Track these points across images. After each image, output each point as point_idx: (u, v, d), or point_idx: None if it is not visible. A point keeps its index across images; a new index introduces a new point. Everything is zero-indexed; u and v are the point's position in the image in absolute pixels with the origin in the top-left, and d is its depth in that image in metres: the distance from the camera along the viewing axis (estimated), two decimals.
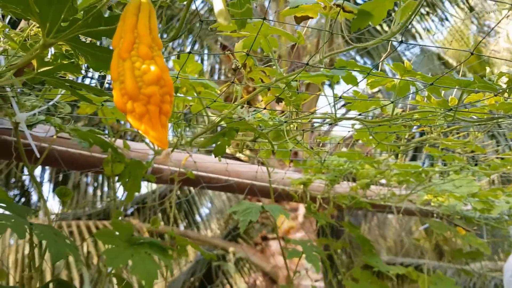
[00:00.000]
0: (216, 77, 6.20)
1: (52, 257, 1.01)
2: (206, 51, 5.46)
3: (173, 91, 0.56)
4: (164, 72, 0.53)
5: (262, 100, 1.13)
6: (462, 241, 1.78)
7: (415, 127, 1.07)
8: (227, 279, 5.72)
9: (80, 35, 0.69)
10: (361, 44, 0.74)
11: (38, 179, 5.13)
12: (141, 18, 0.56)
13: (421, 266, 5.23)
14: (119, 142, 1.34)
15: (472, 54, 0.69)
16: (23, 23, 0.92)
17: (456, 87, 0.81)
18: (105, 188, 5.76)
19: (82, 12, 0.68)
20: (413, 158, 4.20)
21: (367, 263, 1.59)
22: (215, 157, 1.17)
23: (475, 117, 0.94)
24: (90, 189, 5.90)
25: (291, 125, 1.10)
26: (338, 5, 0.76)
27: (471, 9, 4.78)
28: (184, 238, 1.35)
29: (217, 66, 6.31)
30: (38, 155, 1.06)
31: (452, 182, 1.49)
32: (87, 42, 0.69)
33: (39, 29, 0.79)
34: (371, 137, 1.16)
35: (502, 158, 1.44)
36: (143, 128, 0.52)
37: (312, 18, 0.82)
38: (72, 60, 0.75)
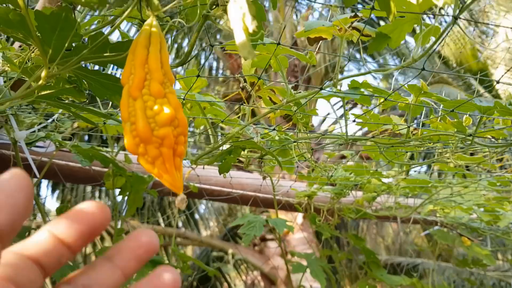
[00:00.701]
0: (213, 74, 6.19)
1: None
2: (205, 52, 5.41)
3: (187, 130, 0.52)
4: (178, 111, 0.50)
5: (269, 117, 1.10)
6: (467, 251, 1.76)
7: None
8: (225, 279, 5.71)
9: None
10: (379, 70, 0.71)
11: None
12: (152, 51, 0.52)
13: (419, 265, 5.24)
14: (121, 156, 1.31)
15: (485, 76, 0.66)
16: None
17: (476, 111, 0.78)
18: (103, 187, 5.73)
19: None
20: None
21: (372, 276, 1.57)
22: (220, 174, 1.14)
23: (492, 138, 0.92)
24: (89, 187, 5.89)
25: (299, 143, 1.07)
26: (354, 28, 0.73)
27: (471, 16, 4.77)
28: (187, 256, 1.32)
29: (214, 65, 6.29)
30: (37, 175, 1.02)
31: (460, 196, 1.47)
32: (91, 69, 0.65)
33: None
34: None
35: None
36: (156, 172, 0.49)
37: (326, 39, 0.79)
38: (75, 85, 0.72)
